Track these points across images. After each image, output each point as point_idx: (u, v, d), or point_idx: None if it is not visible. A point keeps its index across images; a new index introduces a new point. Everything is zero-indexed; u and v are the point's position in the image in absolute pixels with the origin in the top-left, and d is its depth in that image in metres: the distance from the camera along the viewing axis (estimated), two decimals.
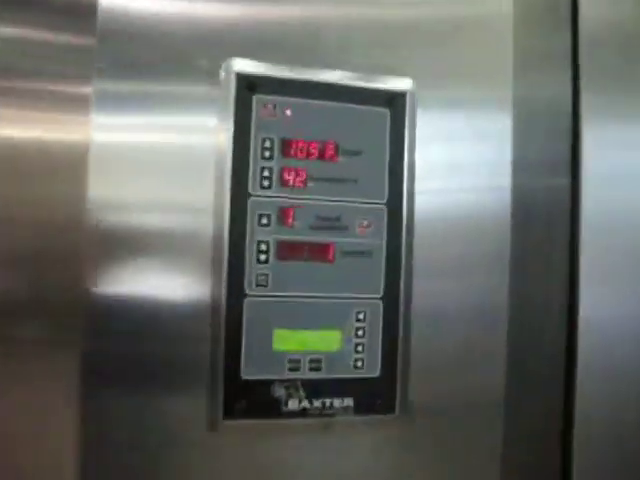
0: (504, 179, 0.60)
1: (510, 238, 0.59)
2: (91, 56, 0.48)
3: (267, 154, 0.55)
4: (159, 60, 0.51)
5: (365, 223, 0.57)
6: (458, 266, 0.60)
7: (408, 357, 0.59)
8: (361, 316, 0.57)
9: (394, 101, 0.60)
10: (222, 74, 0.56)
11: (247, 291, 0.55)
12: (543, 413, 0.62)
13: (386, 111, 0.59)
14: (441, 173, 0.60)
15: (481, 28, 0.60)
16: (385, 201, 0.58)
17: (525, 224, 0.60)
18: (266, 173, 0.55)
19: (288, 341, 0.55)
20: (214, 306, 0.54)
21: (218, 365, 0.54)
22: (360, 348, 0.57)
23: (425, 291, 0.59)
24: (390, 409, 0.58)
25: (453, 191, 0.60)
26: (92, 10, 0.48)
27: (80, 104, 0.49)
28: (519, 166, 0.59)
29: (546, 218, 0.62)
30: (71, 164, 0.49)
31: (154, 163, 0.53)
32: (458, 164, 0.59)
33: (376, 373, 0.58)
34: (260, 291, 0.55)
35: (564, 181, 0.62)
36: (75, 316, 0.50)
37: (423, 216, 0.59)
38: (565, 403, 0.62)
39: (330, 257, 0.56)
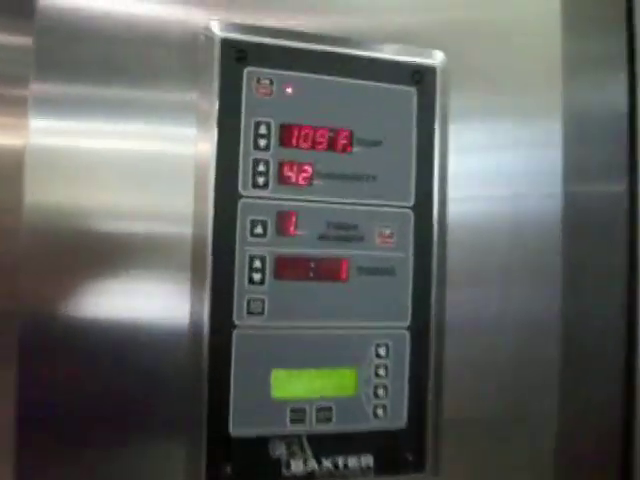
0: (554, 186, 0.55)
1: (562, 248, 0.55)
2: (28, 57, 0.44)
3: (262, 143, 0.47)
4: (105, 57, 0.45)
5: (387, 232, 0.49)
6: (504, 279, 0.53)
7: (441, 402, 0.50)
8: (382, 351, 0.49)
9: (422, 77, 0.51)
10: (201, 38, 0.46)
11: (237, 321, 0.46)
12: (601, 443, 0.57)
13: (412, 90, 0.50)
14: (486, 180, 0.54)
15: (526, 28, 0.55)
16: (412, 204, 0.50)
17: (578, 232, 0.56)
18: (261, 168, 0.47)
19: (290, 385, 0.47)
20: (194, 340, 0.45)
21: (200, 417, 0.45)
22: (381, 392, 0.49)
23: (464, 310, 0.52)
24: (419, 467, 0.50)
25: (498, 198, 0.54)
26: (29, 8, 0.44)
27: (17, 107, 0.44)
28: (570, 173, 0.56)
29: (601, 225, 0.58)
30: (6, 169, 0.44)
31: (110, 165, 0.45)
32: (504, 171, 0.54)
33: (401, 423, 0.49)
34: (253, 321, 0.46)
35: (620, 187, 0.58)
36: (9, 333, 0.42)
37: (465, 225, 0.52)
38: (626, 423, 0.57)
39: (343, 275, 0.48)
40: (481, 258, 0.52)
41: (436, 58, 0.51)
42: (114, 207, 0.45)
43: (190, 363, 0.45)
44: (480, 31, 0.54)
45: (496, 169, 0.54)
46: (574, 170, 0.56)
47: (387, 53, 0.50)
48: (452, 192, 0.51)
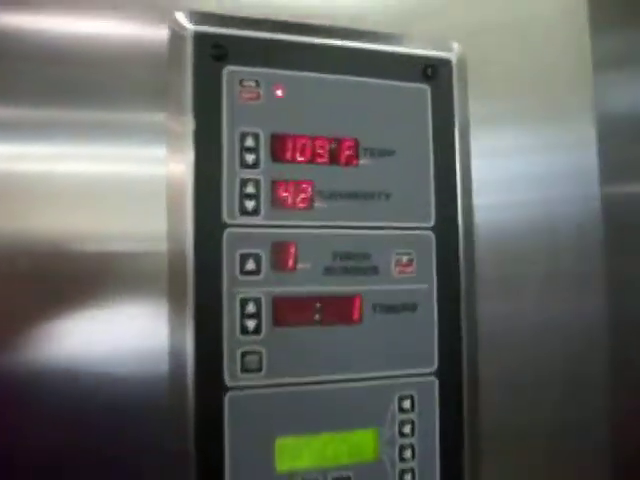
0: (591, 189, 0.51)
1: (605, 251, 0.50)
2: None
3: (250, 159, 0.39)
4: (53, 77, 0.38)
5: (405, 260, 0.42)
6: (543, 291, 0.48)
7: (479, 460, 0.43)
8: (406, 404, 0.42)
9: (436, 72, 0.43)
10: (169, 32, 0.38)
11: (228, 382, 0.38)
12: None
13: (425, 87, 0.43)
14: (515, 185, 0.48)
15: (552, 23, 0.51)
16: (432, 224, 0.43)
17: (619, 234, 0.52)
18: (250, 189, 0.39)
19: (298, 454, 0.39)
20: (178, 407, 0.38)
21: None
22: (407, 454, 0.41)
23: (500, 340, 0.45)
24: None
25: (530, 204, 0.48)
26: None
27: None
28: (607, 173, 0.52)
29: None
30: None
31: (62, 189, 0.38)
32: (535, 175, 0.49)
33: None
34: (249, 379, 0.39)
35: None
36: None
37: (494, 236, 0.46)
38: None
39: (355, 316, 0.41)
40: (515, 271, 0.47)
41: (451, 50, 0.44)
42: (71, 234, 0.37)
43: (175, 436, 0.37)
44: (501, 23, 0.48)
45: (526, 173, 0.48)
46: (611, 171, 0.52)
47: (395, 45, 0.43)
48: (477, 201, 0.45)
